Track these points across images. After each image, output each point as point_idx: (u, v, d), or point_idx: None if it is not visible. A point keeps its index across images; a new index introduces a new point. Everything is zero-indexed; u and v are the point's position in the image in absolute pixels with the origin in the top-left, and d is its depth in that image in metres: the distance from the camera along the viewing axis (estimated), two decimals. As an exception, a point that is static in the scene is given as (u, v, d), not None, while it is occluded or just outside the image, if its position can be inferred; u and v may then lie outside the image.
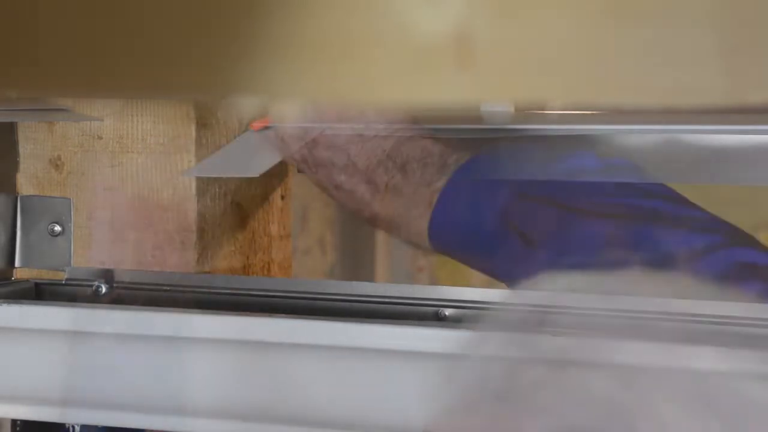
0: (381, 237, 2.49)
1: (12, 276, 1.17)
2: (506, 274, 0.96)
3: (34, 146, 1.16)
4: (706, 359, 0.46)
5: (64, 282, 1.15)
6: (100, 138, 1.14)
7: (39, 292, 1.16)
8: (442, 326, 1.01)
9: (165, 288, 1.12)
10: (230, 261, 1.17)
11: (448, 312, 1.07)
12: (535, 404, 0.45)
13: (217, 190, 1.15)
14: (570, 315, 0.48)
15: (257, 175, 1.12)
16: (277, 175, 1.25)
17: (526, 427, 0.45)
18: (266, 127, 1.14)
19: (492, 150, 1.01)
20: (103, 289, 1.13)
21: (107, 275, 1.13)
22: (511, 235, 0.94)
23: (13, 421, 1.15)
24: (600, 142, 0.98)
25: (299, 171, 1.09)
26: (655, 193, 0.94)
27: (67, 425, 1.14)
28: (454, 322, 1.06)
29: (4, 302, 1.06)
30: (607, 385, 0.44)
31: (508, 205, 0.95)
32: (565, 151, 0.97)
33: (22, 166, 1.16)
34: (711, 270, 0.82)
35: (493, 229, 0.95)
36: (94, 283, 1.13)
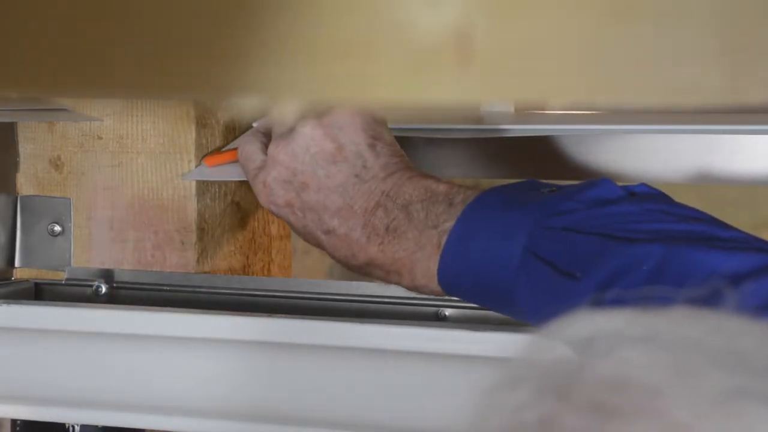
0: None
1: (12, 276, 1.17)
2: (535, 311, 0.91)
3: (34, 146, 1.16)
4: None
5: (64, 282, 1.15)
6: (100, 138, 1.13)
7: (39, 292, 1.16)
8: (442, 326, 1.01)
9: (165, 288, 1.12)
10: (230, 261, 1.17)
11: (448, 312, 1.07)
12: None
13: (216, 190, 1.15)
14: (608, 358, 0.45)
15: None
16: (277, 175, 1.25)
17: None
18: (224, 164, 1.11)
19: (501, 186, 0.97)
20: (103, 289, 1.13)
21: (107, 275, 1.13)
22: (539, 269, 0.90)
23: (13, 421, 1.15)
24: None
25: (278, 215, 1.03)
26: (689, 217, 0.89)
27: (67, 425, 1.14)
28: (454, 322, 1.06)
29: (3, 302, 1.06)
30: None
31: (533, 238, 0.90)
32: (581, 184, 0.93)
33: (22, 166, 1.16)
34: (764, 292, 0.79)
35: (516, 264, 0.91)
36: (93, 283, 1.13)
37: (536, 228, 0.91)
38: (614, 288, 0.84)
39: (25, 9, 0.44)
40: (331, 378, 1.01)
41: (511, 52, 0.41)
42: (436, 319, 1.06)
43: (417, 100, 0.42)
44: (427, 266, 0.96)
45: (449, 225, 0.95)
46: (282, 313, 1.04)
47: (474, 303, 0.98)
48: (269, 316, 1.01)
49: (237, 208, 1.18)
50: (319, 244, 1.02)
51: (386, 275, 0.99)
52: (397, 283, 0.99)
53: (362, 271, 1.01)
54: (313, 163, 1.00)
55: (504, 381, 0.46)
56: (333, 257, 1.02)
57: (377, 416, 1.00)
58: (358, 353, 0.99)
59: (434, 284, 0.96)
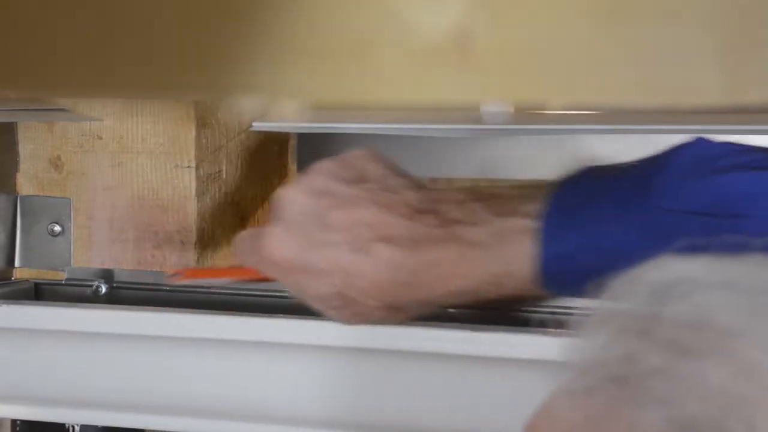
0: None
1: (12, 276, 1.17)
2: None
3: (34, 146, 1.16)
4: None
5: (63, 282, 1.15)
6: (100, 138, 1.14)
7: (39, 293, 1.16)
8: (442, 326, 1.01)
9: (165, 288, 1.12)
10: (230, 261, 1.17)
11: (452, 310, 1.06)
12: (653, 392, 0.45)
13: (216, 190, 1.15)
14: (687, 301, 0.47)
15: None
16: (277, 175, 1.25)
17: (645, 415, 0.45)
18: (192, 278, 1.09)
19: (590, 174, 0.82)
20: (103, 289, 1.13)
21: (107, 275, 1.13)
22: (688, 221, 0.76)
23: (13, 421, 1.15)
24: None
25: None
26: None
27: (66, 425, 1.14)
28: (455, 322, 1.06)
29: (3, 303, 1.06)
30: (726, 377, 0.44)
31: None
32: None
33: (22, 166, 1.16)
34: None
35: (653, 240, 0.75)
36: (93, 283, 1.13)
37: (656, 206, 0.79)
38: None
39: (26, 9, 0.44)
40: (333, 380, 1.01)
41: (511, 52, 0.41)
42: (436, 320, 1.06)
43: (417, 99, 0.42)
44: (517, 265, 0.81)
45: (535, 209, 0.79)
46: (282, 313, 1.04)
47: (580, 295, 0.79)
48: (268, 316, 1.01)
49: (237, 208, 1.18)
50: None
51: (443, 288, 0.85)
52: (464, 297, 0.85)
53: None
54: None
55: (591, 323, 0.49)
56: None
57: (379, 417, 1.00)
58: (360, 354, 1.00)
59: (528, 285, 0.81)
